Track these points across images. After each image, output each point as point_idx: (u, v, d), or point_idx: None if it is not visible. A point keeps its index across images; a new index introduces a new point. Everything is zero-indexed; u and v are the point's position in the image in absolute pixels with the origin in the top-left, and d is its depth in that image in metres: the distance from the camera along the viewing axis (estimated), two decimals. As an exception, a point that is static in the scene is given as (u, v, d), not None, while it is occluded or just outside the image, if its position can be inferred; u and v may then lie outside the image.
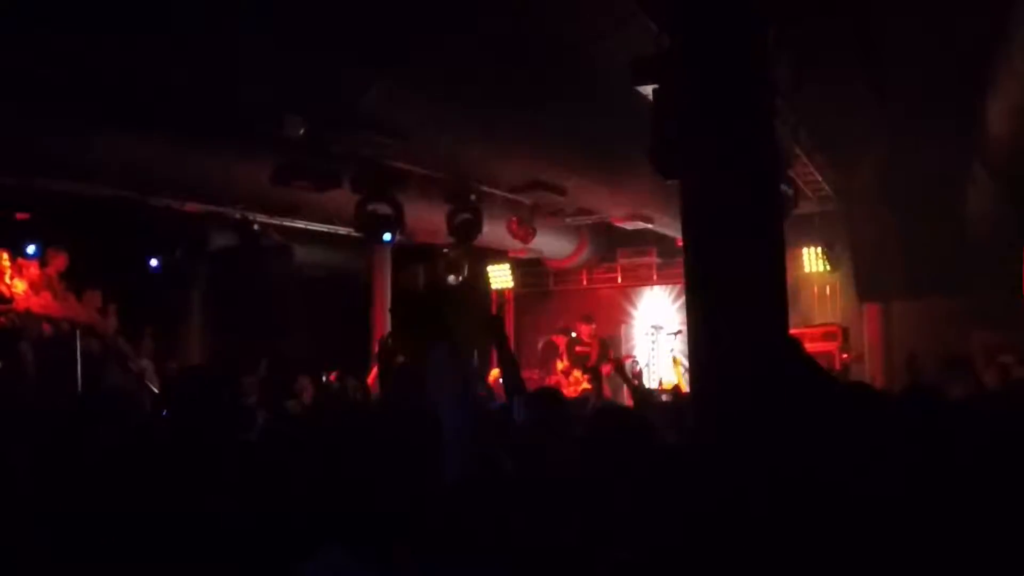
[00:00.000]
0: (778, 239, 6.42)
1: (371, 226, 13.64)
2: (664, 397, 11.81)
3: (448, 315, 4.50)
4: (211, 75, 9.41)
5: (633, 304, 21.52)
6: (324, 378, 13.72)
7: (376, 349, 13.74)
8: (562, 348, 18.32)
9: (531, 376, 17.04)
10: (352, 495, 3.08)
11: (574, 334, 18.70)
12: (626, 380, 11.34)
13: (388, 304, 17.67)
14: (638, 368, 17.12)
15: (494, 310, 21.53)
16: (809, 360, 6.23)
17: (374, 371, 12.19)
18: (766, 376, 5.61)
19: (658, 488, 3.99)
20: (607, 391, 14.30)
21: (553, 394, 6.27)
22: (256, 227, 15.49)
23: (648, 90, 8.09)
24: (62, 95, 9.56)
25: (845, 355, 17.01)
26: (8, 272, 11.94)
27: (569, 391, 16.19)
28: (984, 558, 3.87)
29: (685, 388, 13.07)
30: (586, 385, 15.94)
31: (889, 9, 9.93)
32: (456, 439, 4.02)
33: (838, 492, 4.07)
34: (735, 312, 5.94)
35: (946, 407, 5.10)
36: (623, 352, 20.01)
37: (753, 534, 3.90)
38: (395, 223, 13.71)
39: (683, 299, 6.46)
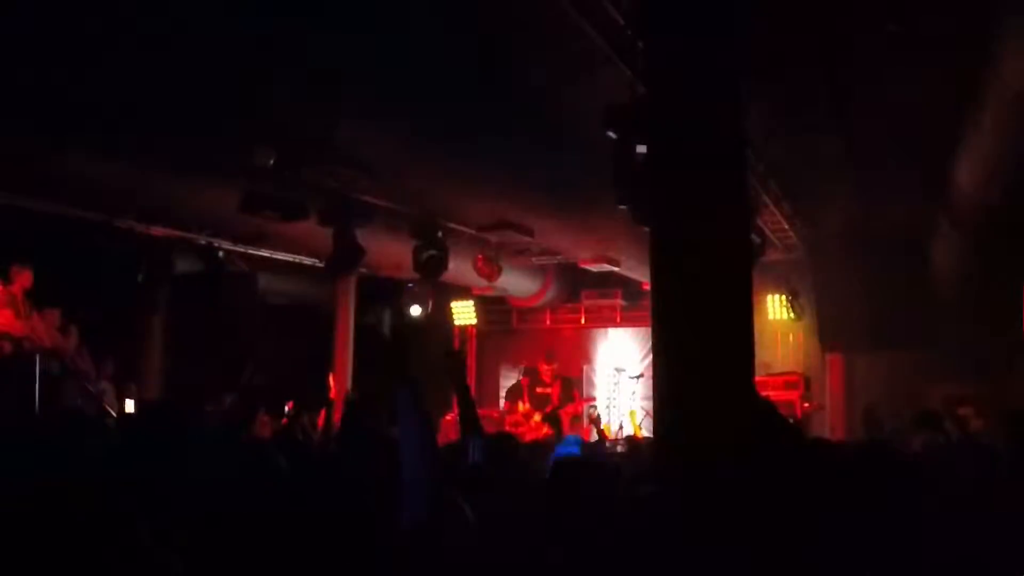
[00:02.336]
0: (746, 286, 6.44)
1: (342, 259, 13.62)
2: (619, 448, 11.83)
3: (414, 358, 4.47)
4: (184, 101, 9.38)
5: (596, 346, 21.51)
6: (286, 409, 13.61)
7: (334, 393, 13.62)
8: (524, 388, 18.29)
9: (490, 414, 17.01)
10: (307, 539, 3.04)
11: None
12: (599, 433, 11.45)
13: (351, 336, 17.57)
14: (595, 413, 17.12)
15: (456, 346, 21.48)
16: (774, 411, 6.23)
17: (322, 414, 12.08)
18: (732, 423, 5.60)
19: (619, 534, 3.98)
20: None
21: (509, 439, 6.27)
22: (221, 254, 15.41)
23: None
24: (29, 111, 9.47)
25: (807, 404, 17.05)
26: (-31, 290, 11.82)
27: (529, 435, 16.12)
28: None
29: (641, 434, 13.09)
30: (547, 431, 15.89)
31: (858, 66, 10.02)
32: (418, 484, 3.99)
33: (798, 540, 4.07)
34: (702, 359, 5.94)
35: (905, 461, 5.11)
36: (584, 393, 19.97)
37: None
38: (357, 256, 13.70)
39: (646, 343, 6.45)
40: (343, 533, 3.63)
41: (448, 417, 17.12)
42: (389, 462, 3.92)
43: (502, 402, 19.29)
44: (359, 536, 3.62)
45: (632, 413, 16.73)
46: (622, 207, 8.39)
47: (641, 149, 7.76)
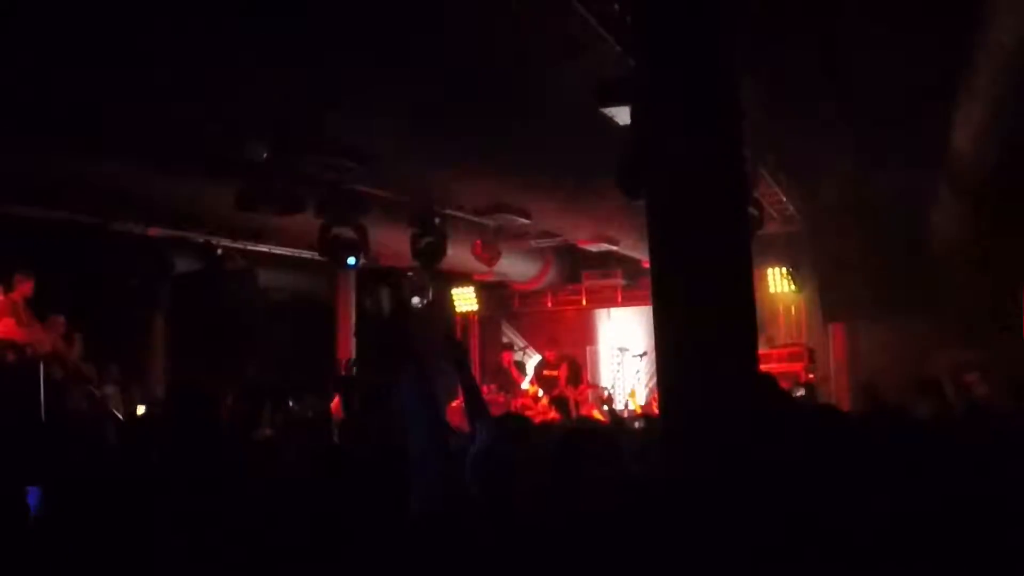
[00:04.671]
0: (745, 260, 6.40)
1: (335, 250, 13.51)
2: (637, 424, 11.81)
3: (415, 337, 4.43)
4: (174, 98, 9.35)
5: (598, 326, 21.51)
6: (291, 403, 13.57)
7: (343, 372, 13.63)
8: (513, 369, 18.41)
9: (496, 399, 17.01)
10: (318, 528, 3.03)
11: (540, 357, 18.74)
12: (612, 413, 11.42)
13: (353, 327, 17.58)
14: (607, 394, 17.16)
15: (458, 332, 21.45)
16: (777, 387, 6.22)
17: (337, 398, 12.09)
18: (735, 399, 5.58)
19: (626, 520, 3.95)
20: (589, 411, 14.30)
21: (519, 419, 6.23)
22: (219, 251, 15.40)
23: (613, 112, 8.11)
24: (21, 116, 9.44)
25: (811, 375, 17.05)
26: (-30, 298, 11.81)
27: (538, 418, 16.10)
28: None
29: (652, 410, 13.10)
30: (554, 415, 15.91)
31: (854, 34, 9.97)
32: (426, 465, 3.96)
33: (808, 519, 4.04)
34: (703, 334, 5.90)
35: (911, 429, 5.09)
36: (589, 374, 19.99)
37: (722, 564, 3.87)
38: (359, 247, 13.60)
39: (649, 321, 6.38)
40: (360, 520, 3.63)
41: (454, 404, 17.13)
42: (398, 447, 3.91)
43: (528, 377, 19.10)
44: (375, 524, 3.60)
45: (632, 393, 16.82)
46: (617, 185, 8.36)
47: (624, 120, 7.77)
